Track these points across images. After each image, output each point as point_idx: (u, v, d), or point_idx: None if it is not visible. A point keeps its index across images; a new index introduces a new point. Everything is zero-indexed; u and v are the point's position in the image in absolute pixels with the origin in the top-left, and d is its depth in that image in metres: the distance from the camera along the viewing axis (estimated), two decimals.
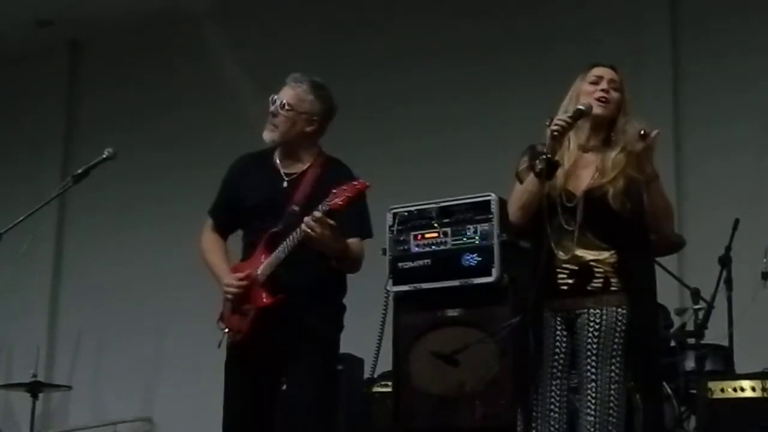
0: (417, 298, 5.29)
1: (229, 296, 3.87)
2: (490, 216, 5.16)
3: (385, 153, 7.70)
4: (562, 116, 3.70)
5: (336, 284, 3.97)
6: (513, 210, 3.81)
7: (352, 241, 3.88)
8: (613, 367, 3.62)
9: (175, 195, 8.44)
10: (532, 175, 3.68)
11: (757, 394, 4.95)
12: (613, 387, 3.61)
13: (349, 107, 7.86)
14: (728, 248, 5.46)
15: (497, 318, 4.96)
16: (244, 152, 4.22)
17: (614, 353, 3.63)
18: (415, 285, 5.29)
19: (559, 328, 3.73)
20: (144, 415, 8.23)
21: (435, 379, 5.10)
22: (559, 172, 3.70)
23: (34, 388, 7.27)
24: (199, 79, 8.52)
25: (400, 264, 5.33)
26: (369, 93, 7.92)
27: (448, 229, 5.24)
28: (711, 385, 5.06)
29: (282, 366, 3.85)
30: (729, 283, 5.43)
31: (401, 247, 5.34)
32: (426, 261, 5.27)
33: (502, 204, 5.14)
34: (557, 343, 3.73)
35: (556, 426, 3.69)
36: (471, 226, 5.19)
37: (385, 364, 5.46)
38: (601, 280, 3.69)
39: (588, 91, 3.80)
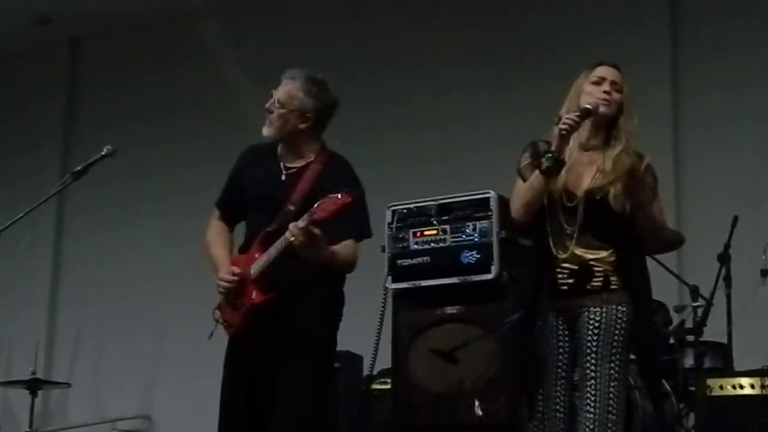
0: (416, 295, 5.28)
1: (222, 290, 3.87)
2: (490, 213, 5.15)
3: (384, 150, 7.71)
4: (570, 115, 3.69)
5: (330, 280, 3.94)
6: (516, 207, 3.81)
7: (346, 243, 3.84)
8: (612, 365, 3.62)
9: (174, 192, 8.45)
10: (537, 172, 3.68)
11: (756, 391, 4.95)
12: (612, 384, 3.61)
13: (349, 105, 7.88)
14: (727, 245, 5.46)
15: (496, 315, 4.93)
16: (243, 150, 4.23)
17: (614, 350, 3.63)
18: (414, 282, 5.27)
19: (561, 327, 3.74)
20: (143, 412, 8.24)
21: (434, 377, 5.09)
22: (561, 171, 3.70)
23: (34, 386, 7.26)
24: (199, 76, 8.53)
25: (399, 261, 5.32)
26: (369, 91, 7.92)
27: (447, 227, 5.23)
28: (710, 382, 5.07)
29: (277, 363, 3.83)
30: (728, 280, 5.44)
31: (400, 245, 5.33)
32: (425, 258, 5.26)
33: (502, 201, 5.14)
34: (560, 343, 3.73)
35: (562, 426, 3.70)
36: (470, 224, 5.17)
37: (385, 361, 5.47)
38: (601, 278, 3.70)
39: (590, 90, 3.80)
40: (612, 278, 3.70)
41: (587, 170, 3.77)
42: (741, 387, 5.00)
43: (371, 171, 7.53)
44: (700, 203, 6.62)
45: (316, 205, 3.63)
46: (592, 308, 3.67)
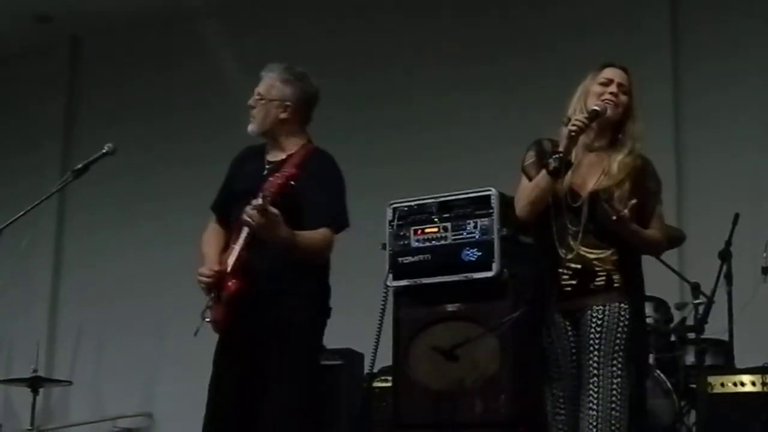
0: (417, 292, 5.28)
1: (202, 285, 3.87)
2: (491, 211, 5.15)
3: (385, 148, 7.72)
4: (579, 116, 3.71)
5: (310, 270, 3.89)
6: (522, 205, 3.82)
7: (318, 231, 3.82)
8: (615, 362, 3.63)
9: (175, 191, 8.45)
10: (543, 172, 3.70)
11: (757, 388, 4.95)
12: (615, 381, 3.62)
13: (349, 105, 7.98)
14: (728, 243, 5.46)
15: (497, 313, 4.94)
16: (244, 149, 4.23)
17: (617, 347, 3.64)
18: (414, 280, 5.28)
19: (569, 328, 3.75)
20: (144, 410, 8.24)
21: (435, 374, 5.09)
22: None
23: (35, 384, 7.26)
24: (200, 75, 8.52)
25: (399, 259, 5.32)
26: (369, 91, 7.93)
27: (448, 224, 5.23)
28: (711, 379, 5.06)
29: (263, 356, 3.82)
30: (729, 277, 5.44)
31: (401, 242, 5.33)
32: (426, 256, 5.26)
33: (503, 199, 5.14)
34: (572, 343, 3.74)
35: (568, 428, 3.72)
36: (471, 221, 5.18)
37: (385, 359, 5.47)
38: (604, 278, 3.72)
39: (597, 92, 3.82)
40: (614, 276, 3.72)
41: (592, 171, 3.79)
42: (742, 384, 5.00)
43: (372, 168, 7.64)
44: (701, 201, 6.62)
45: (266, 184, 3.67)
46: (594, 306, 3.69)
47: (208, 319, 3.90)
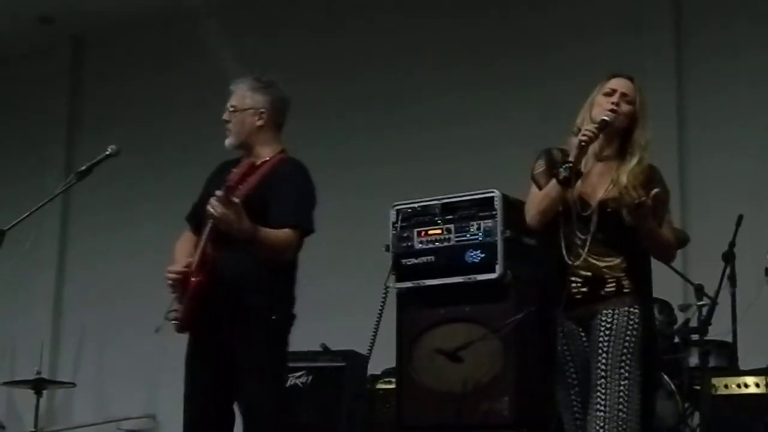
0: (420, 294, 5.29)
1: (169, 282, 3.91)
2: (494, 212, 5.16)
3: (388, 150, 7.71)
4: (589, 127, 3.76)
5: (274, 269, 3.92)
6: (532, 214, 3.85)
7: (284, 231, 3.86)
8: (623, 364, 3.65)
9: (178, 192, 8.40)
10: (554, 181, 3.73)
11: (761, 390, 4.95)
12: (623, 384, 3.63)
13: (351, 105, 7.98)
14: (732, 244, 5.46)
15: (501, 314, 4.95)
16: (219, 163, 4.29)
17: (625, 350, 3.67)
18: (418, 281, 5.28)
19: (582, 334, 3.77)
20: (148, 412, 8.24)
21: (438, 376, 5.09)
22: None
23: (38, 386, 7.26)
24: (203, 76, 8.51)
25: (403, 260, 5.33)
26: (370, 91, 7.93)
27: (452, 226, 5.23)
28: (715, 381, 5.06)
29: (230, 353, 3.86)
30: (732, 279, 5.44)
31: (404, 244, 5.34)
32: (429, 257, 5.27)
33: (506, 200, 5.15)
34: (586, 348, 3.76)
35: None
36: (474, 223, 5.18)
37: (389, 360, 5.47)
38: (614, 284, 3.75)
39: (602, 102, 3.86)
40: (624, 282, 3.75)
41: (601, 180, 3.82)
42: (746, 386, 5.00)
43: (375, 170, 7.63)
44: (704, 202, 6.61)
45: (229, 176, 3.78)
46: (604, 310, 3.72)
47: (171, 319, 3.95)
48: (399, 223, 5.37)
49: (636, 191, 3.71)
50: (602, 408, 3.61)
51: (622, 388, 3.62)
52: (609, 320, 3.69)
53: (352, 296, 6.84)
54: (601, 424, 3.59)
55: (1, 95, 9.69)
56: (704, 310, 5.43)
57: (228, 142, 4.14)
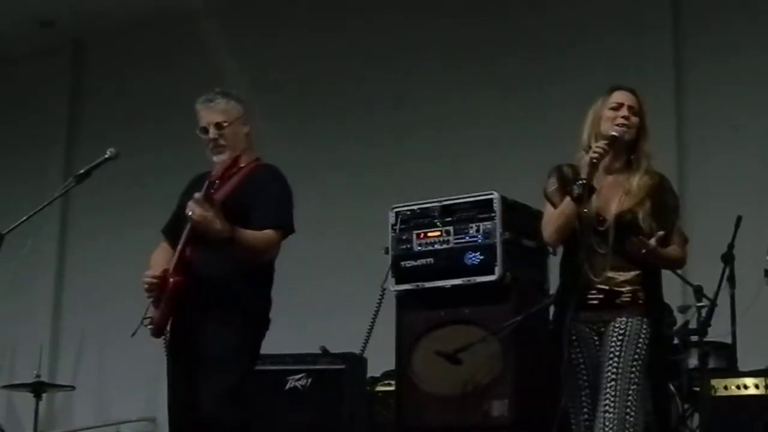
0: (420, 296, 5.29)
1: (145, 286, 3.97)
2: (493, 214, 5.16)
3: (387, 152, 7.71)
4: (600, 143, 3.81)
5: (252, 272, 3.95)
6: (549, 232, 3.90)
7: (265, 231, 3.90)
8: (634, 369, 3.69)
9: (178, 194, 8.42)
10: (568, 199, 3.78)
11: (761, 391, 4.95)
12: (632, 388, 3.67)
13: (351, 107, 7.97)
14: (731, 246, 5.46)
15: (500, 316, 4.96)
16: (194, 176, 4.31)
17: (636, 356, 3.71)
18: (417, 284, 5.28)
19: (595, 339, 3.81)
20: (148, 415, 8.23)
21: (438, 378, 5.09)
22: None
23: (38, 389, 7.26)
24: (203, 78, 8.43)
25: (402, 263, 5.33)
26: (371, 92, 7.93)
27: (451, 228, 5.23)
28: (714, 382, 5.07)
29: (199, 360, 3.89)
30: (732, 280, 5.43)
31: (404, 246, 5.34)
32: (428, 260, 5.27)
33: (505, 202, 5.16)
34: (598, 353, 3.79)
35: None
36: (473, 225, 5.18)
37: (388, 362, 5.47)
38: (630, 295, 3.80)
39: (609, 116, 3.90)
40: (639, 294, 3.81)
41: (613, 193, 3.87)
42: (745, 387, 5.00)
43: (375, 172, 7.63)
44: (703, 203, 6.60)
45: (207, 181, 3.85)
46: (618, 318, 3.77)
47: (147, 324, 3.98)
48: (398, 225, 5.37)
49: (644, 207, 3.77)
50: (610, 409, 3.65)
51: (631, 392, 3.66)
52: (623, 327, 3.75)
53: (351, 299, 6.83)
54: (609, 425, 3.62)
55: (2, 96, 9.68)
56: (703, 312, 5.43)
57: (222, 158, 4.09)
